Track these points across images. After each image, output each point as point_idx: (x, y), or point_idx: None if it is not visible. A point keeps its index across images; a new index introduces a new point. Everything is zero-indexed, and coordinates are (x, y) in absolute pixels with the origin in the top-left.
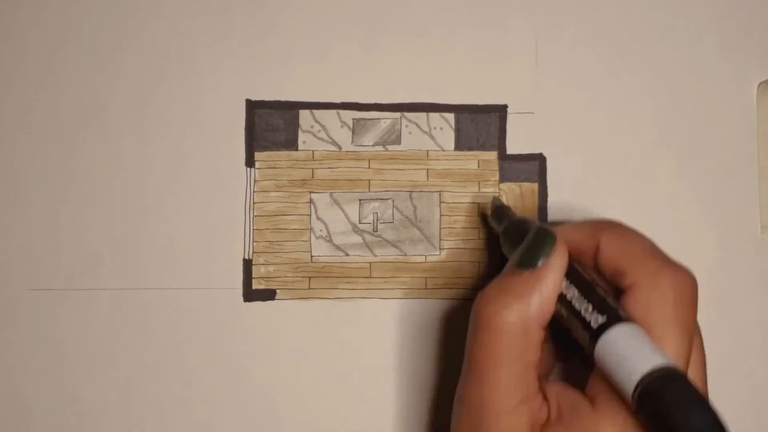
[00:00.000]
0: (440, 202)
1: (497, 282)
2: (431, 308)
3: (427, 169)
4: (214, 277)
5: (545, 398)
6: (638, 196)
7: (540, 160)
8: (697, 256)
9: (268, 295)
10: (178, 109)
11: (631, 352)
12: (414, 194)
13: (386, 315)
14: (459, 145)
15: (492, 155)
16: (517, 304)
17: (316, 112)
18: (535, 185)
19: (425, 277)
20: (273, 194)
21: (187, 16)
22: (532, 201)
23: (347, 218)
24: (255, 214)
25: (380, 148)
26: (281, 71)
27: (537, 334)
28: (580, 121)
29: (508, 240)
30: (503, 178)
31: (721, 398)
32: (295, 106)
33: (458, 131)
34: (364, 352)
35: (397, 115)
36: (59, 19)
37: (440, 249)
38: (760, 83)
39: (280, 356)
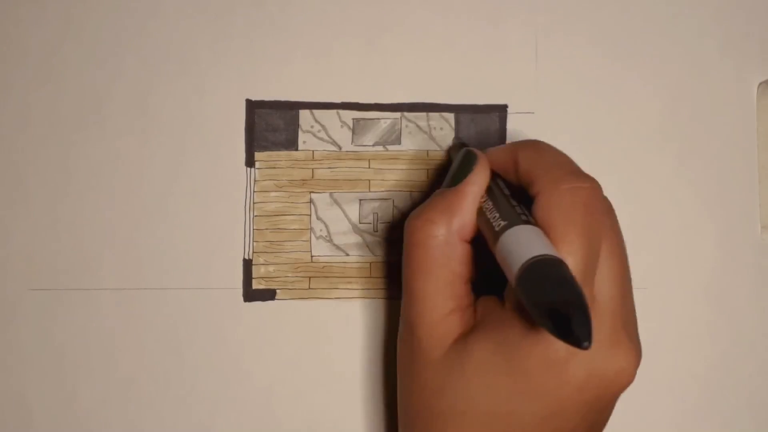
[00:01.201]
0: None
1: (426, 202)
2: None
3: (427, 169)
4: (214, 277)
5: (476, 311)
6: (638, 196)
7: None
8: (697, 256)
9: (268, 295)
10: (178, 109)
11: (520, 247)
12: (414, 194)
13: (386, 315)
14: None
15: None
16: (438, 217)
17: (316, 112)
18: None
19: None
20: (273, 194)
21: (187, 16)
22: None
23: (347, 218)
24: (255, 214)
25: (380, 148)
26: (281, 71)
27: (460, 246)
28: (580, 121)
29: None
30: None
31: (721, 398)
32: (295, 106)
33: (458, 131)
34: (364, 353)
35: (397, 115)
36: (59, 19)
37: None
38: (760, 83)
39: (280, 356)
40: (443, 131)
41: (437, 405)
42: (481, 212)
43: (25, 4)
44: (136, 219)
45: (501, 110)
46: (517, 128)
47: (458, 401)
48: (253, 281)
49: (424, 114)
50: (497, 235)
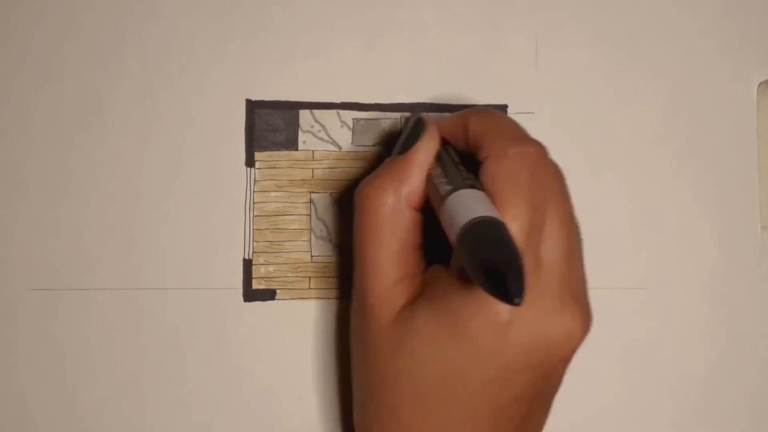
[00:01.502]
0: None
1: (376, 170)
2: None
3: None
4: (214, 277)
5: (425, 279)
6: (638, 196)
7: None
8: (697, 256)
9: (268, 295)
10: (178, 109)
11: (462, 209)
12: None
13: None
14: None
15: None
16: (386, 184)
17: (316, 112)
18: None
19: None
20: (273, 194)
21: (187, 16)
22: None
23: (347, 218)
24: (255, 214)
25: (380, 148)
26: (281, 71)
27: (409, 214)
28: (580, 121)
29: None
30: None
31: (721, 398)
32: (295, 106)
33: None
34: None
35: (397, 115)
36: (59, 19)
37: None
38: (760, 83)
39: (280, 356)
40: None
41: (389, 371)
42: (429, 179)
43: (25, 4)
44: (136, 219)
45: (501, 110)
46: None
47: (408, 366)
48: (253, 281)
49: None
50: (442, 199)
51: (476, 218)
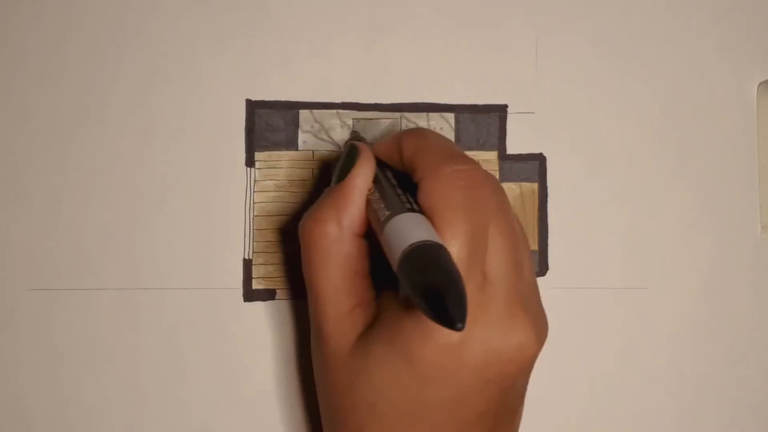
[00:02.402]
0: None
1: (317, 201)
2: None
3: None
4: (214, 277)
5: (378, 305)
6: (638, 196)
7: (540, 160)
8: (697, 256)
9: (268, 295)
10: (178, 109)
11: (401, 235)
12: None
13: None
14: (459, 145)
15: (492, 155)
16: (326, 215)
17: (316, 112)
18: (535, 185)
19: None
20: (273, 194)
21: (187, 16)
22: (532, 201)
23: None
24: (255, 214)
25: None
26: (281, 71)
27: (354, 242)
28: (580, 121)
29: None
30: (503, 178)
31: (721, 398)
32: (295, 106)
33: (458, 131)
34: None
35: (397, 115)
36: (59, 19)
37: None
38: (760, 83)
39: (280, 356)
40: (443, 131)
41: (349, 401)
42: (369, 204)
43: (25, 4)
44: (136, 219)
45: (501, 110)
46: (517, 128)
47: (368, 396)
48: (253, 281)
49: (424, 114)
50: (382, 225)
51: (414, 243)
